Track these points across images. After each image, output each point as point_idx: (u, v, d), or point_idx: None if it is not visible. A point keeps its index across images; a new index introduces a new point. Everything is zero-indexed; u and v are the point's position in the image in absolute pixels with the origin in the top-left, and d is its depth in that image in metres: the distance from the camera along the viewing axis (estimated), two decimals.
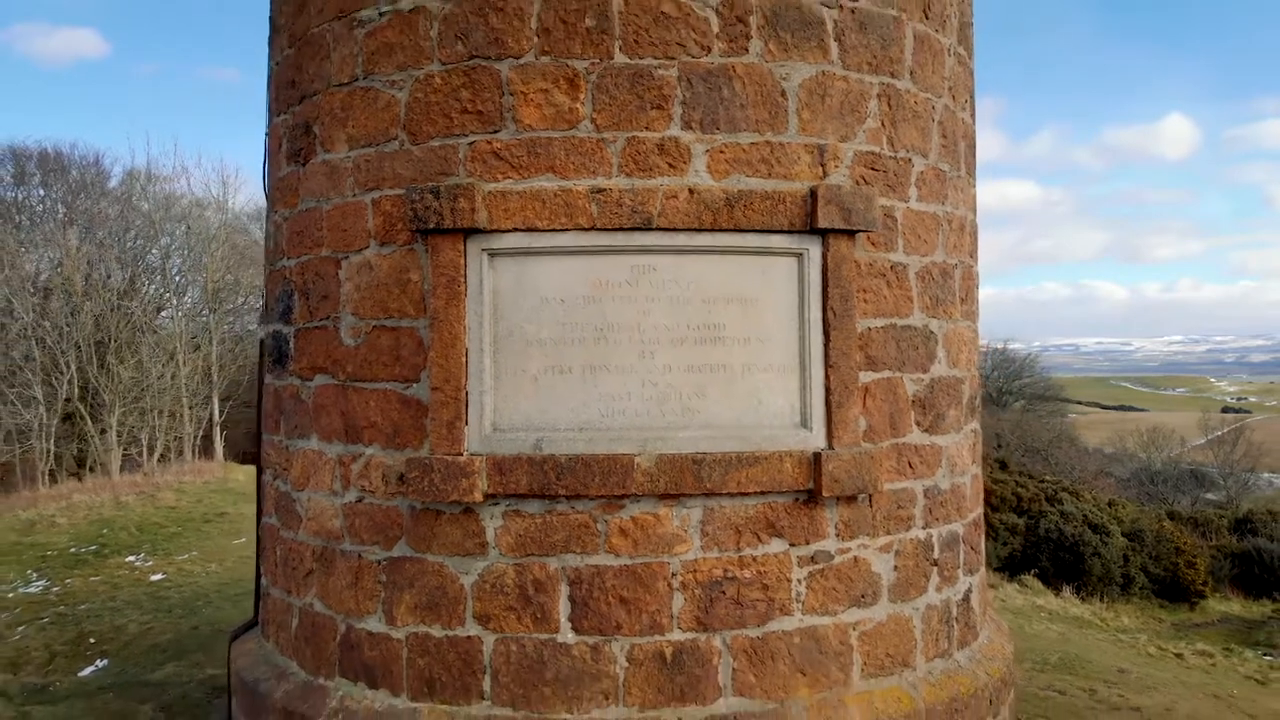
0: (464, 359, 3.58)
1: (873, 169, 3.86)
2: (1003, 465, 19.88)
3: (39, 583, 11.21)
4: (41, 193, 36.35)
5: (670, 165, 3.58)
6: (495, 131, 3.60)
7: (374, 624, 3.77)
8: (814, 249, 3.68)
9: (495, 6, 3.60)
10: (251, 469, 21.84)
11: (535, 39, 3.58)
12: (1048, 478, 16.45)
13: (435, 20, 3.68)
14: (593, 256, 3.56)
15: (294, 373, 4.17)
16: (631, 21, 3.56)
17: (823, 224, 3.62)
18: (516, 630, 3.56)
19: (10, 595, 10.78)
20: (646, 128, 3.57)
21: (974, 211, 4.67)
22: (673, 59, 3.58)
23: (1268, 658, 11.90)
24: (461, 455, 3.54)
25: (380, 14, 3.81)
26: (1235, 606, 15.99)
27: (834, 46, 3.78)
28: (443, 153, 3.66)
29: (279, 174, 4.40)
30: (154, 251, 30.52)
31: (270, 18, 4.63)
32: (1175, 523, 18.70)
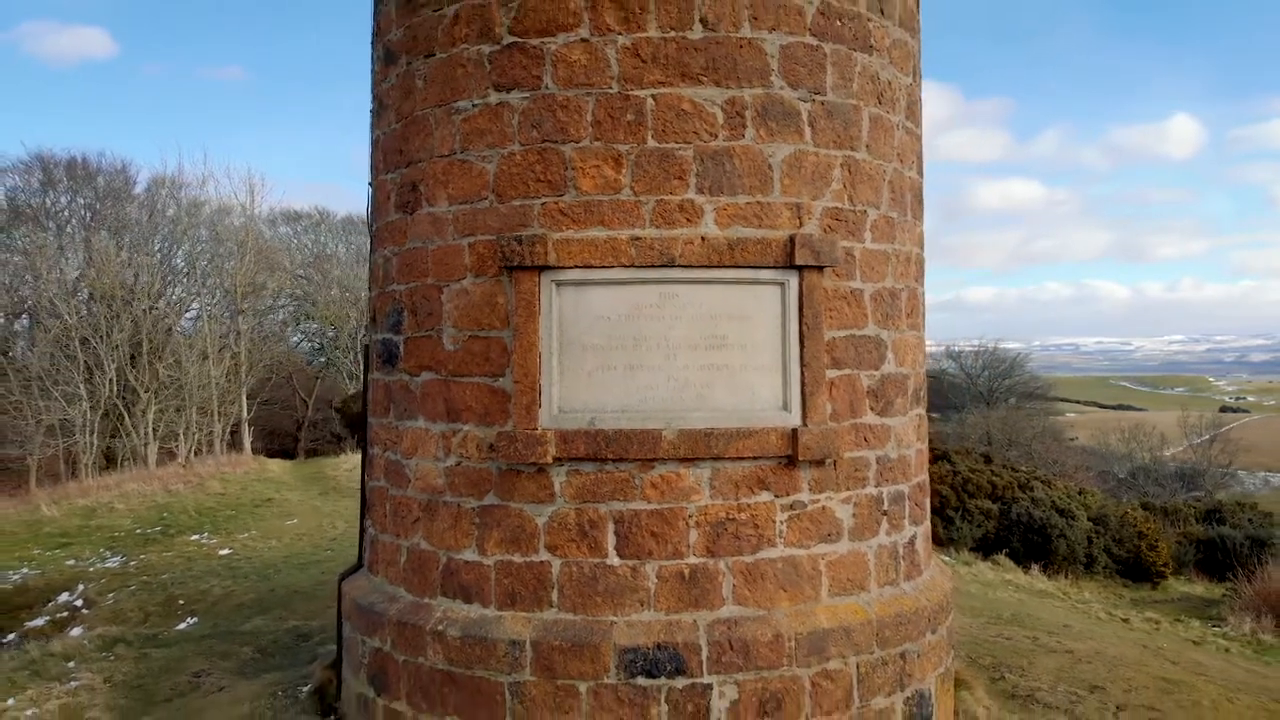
0: (538, 360, 4.93)
1: (837, 220, 5.21)
2: (987, 459, 21.20)
3: (115, 558, 12.58)
4: (66, 199, 37.77)
5: (688, 220, 4.92)
6: (561, 195, 4.95)
7: (469, 555, 5.12)
8: (792, 280, 5.03)
9: (561, 104, 4.95)
10: (282, 462, 23.19)
11: (590, 128, 4.93)
12: (1022, 468, 17.73)
13: (516, 112, 5.03)
14: (632, 286, 4.91)
15: (403, 370, 5.52)
16: (660, 116, 4.91)
17: (799, 262, 4.96)
18: (576, 556, 4.91)
19: (92, 569, 12.15)
20: (670, 193, 4.92)
21: (920, 246, 6.01)
22: (689, 143, 4.93)
23: (1215, 627, 13.20)
24: (537, 430, 4.89)
25: (473, 105, 5.16)
26: (1198, 588, 17.31)
27: (808, 130, 5.12)
28: (522, 210, 5.01)
29: (387, 219, 5.74)
30: (179, 256, 31.93)
31: (376, 96, 5.98)
32: (1147, 512, 20.06)
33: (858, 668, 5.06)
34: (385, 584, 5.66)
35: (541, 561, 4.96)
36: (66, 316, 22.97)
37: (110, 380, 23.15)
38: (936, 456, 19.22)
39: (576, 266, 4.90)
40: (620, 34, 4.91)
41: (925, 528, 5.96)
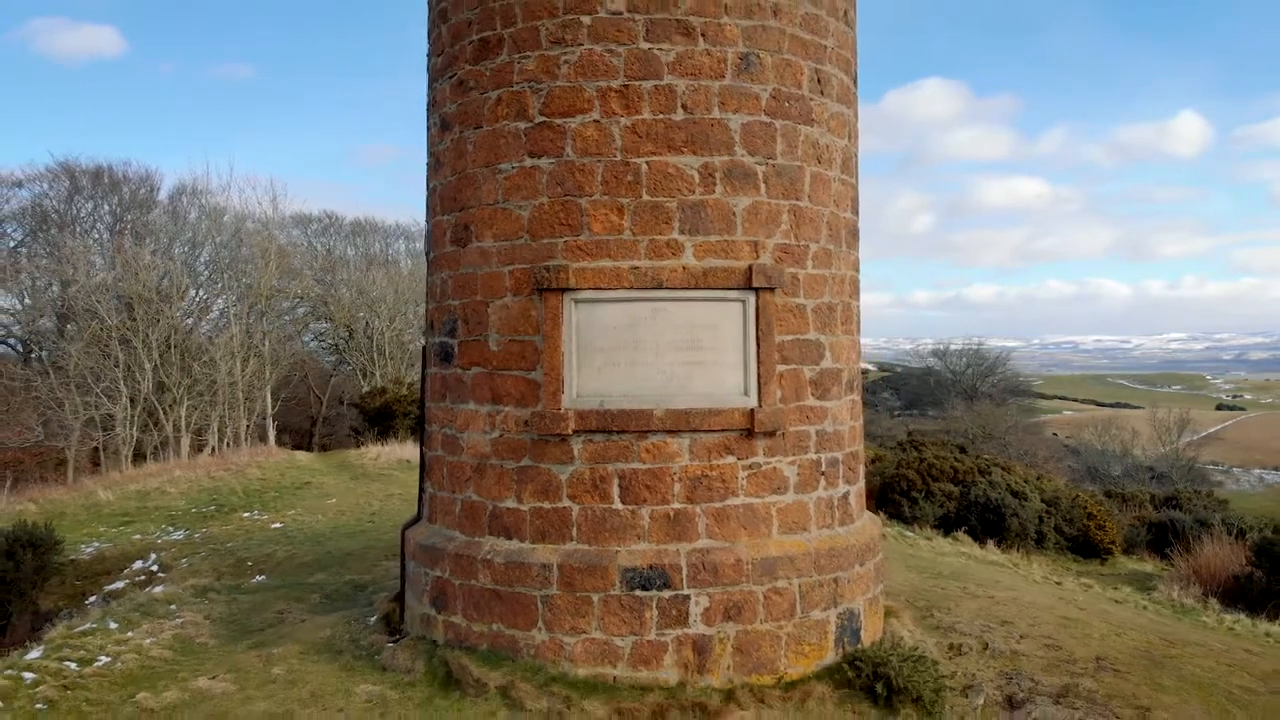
0: (561, 358, 6.65)
1: (785, 252, 6.93)
2: (962, 449, 22.93)
3: (179, 532, 14.29)
4: (91, 206, 39.53)
5: (673, 253, 6.64)
6: (578, 235, 6.67)
7: (510, 503, 6.85)
8: (751, 298, 6.74)
9: (578, 168, 6.67)
10: (308, 453, 24.87)
11: (601, 185, 6.65)
12: (985, 455, 19.47)
13: (545, 173, 6.76)
14: (631, 303, 6.63)
15: (458, 366, 7.24)
16: (652, 177, 6.63)
17: (756, 284, 6.68)
18: (590, 503, 6.63)
19: (160, 541, 13.87)
20: (660, 233, 6.63)
21: (855, 270, 7.72)
22: (674, 196, 6.65)
23: (1147, 594, 14.87)
24: (561, 410, 6.61)
25: (513, 166, 6.88)
26: (1147, 566, 19.01)
27: (763, 186, 6.84)
28: (549, 246, 6.73)
29: (443, 250, 7.46)
30: (201, 261, 33.67)
31: (433, 154, 7.69)
32: (1108, 497, 21.78)
33: (800, 587, 6.78)
34: (443, 529, 7.39)
35: (564, 507, 6.68)
36: (106, 318, 24.70)
37: (148, 377, 24.90)
38: (911, 445, 20.95)
39: (590, 288, 6.62)
40: (622, 116, 6.63)
41: (858, 487, 7.68)
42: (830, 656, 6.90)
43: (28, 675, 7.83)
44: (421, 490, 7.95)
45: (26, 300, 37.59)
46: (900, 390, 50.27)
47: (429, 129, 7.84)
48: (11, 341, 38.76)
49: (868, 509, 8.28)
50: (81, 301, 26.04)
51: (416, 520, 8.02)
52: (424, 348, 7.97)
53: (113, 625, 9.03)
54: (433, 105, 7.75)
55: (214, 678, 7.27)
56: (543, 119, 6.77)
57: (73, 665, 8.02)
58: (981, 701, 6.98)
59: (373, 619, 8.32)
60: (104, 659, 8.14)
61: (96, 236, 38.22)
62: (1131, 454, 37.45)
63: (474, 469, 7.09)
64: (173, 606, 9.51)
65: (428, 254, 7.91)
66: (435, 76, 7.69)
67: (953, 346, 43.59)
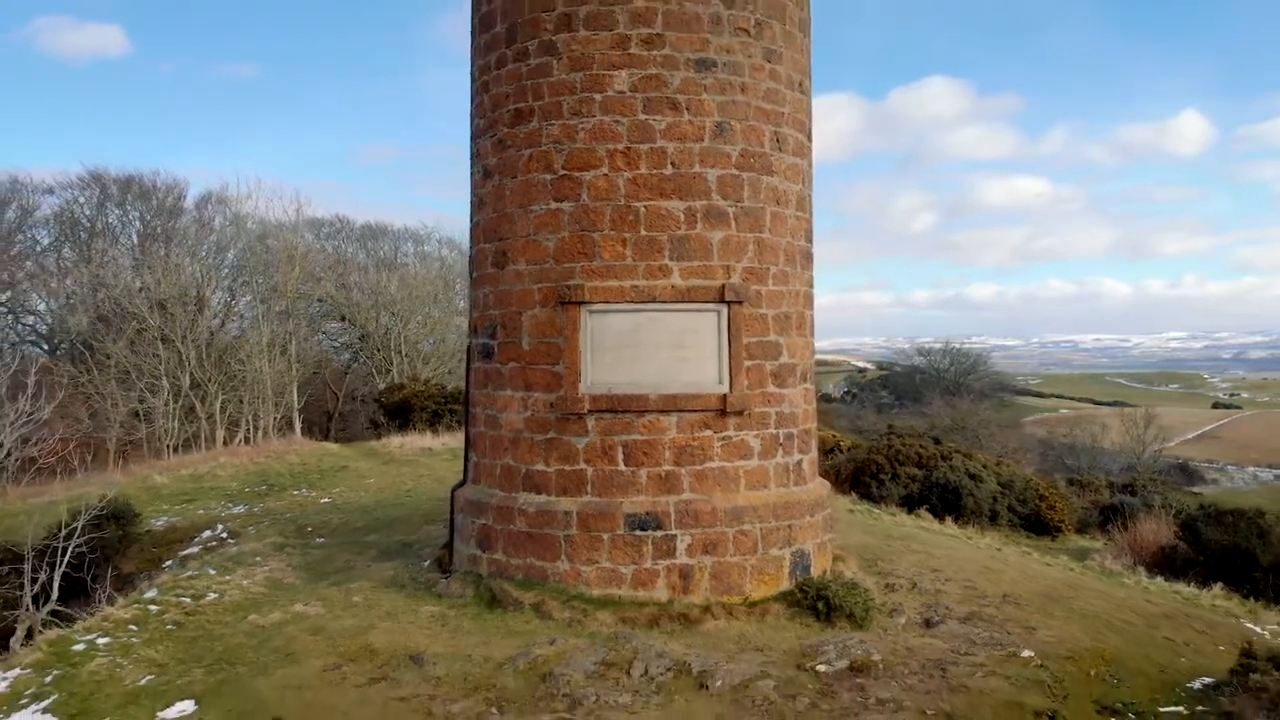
0: (579, 355, 8.72)
1: (751, 274, 9.00)
2: (937, 441, 24.99)
3: (239, 507, 16.36)
4: (120, 212, 41.64)
5: (664, 275, 8.71)
6: (592, 261, 8.74)
7: (539, 466, 8.93)
8: (724, 309, 8.81)
9: (592, 210, 8.75)
10: (336, 444, 26.91)
11: (609, 223, 8.72)
12: (949, 444, 21.58)
13: (566, 214, 8.83)
14: (633, 313, 8.70)
15: (497, 361, 9.32)
16: (648, 217, 8.70)
17: (728, 299, 8.76)
18: (600, 466, 8.71)
19: (223, 514, 15.94)
20: (654, 260, 8.71)
21: (809, 286, 9.80)
22: (665, 232, 8.72)
23: (1081, 561, 16.88)
24: (579, 394, 8.69)
25: (541, 208, 8.96)
26: (1096, 543, 21.04)
27: (733, 223, 8.91)
28: (569, 269, 8.81)
29: (485, 271, 9.54)
30: (225, 266, 35.77)
31: (477, 195, 9.77)
32: (1070, 484, 23.84)
33: (761, 531, 8.86)
34: (485, 488, 9.47)
35: (581, 469, 8.77)
36: (150, 320, 26.83)
37: (187, 373, 27.04)
38: (888, 436, 23.00)
39: (601, 302, 8.70)
40: (626, 171, 8.72)
41: (810, 456, 9.76)
42: (785, 585, 8.97)
43: (152, 608, 9.90)
44: (466, 459, 10.03)
45: (54, 302, 39.76)
46: (893, 388, 52.48)
47: (472, 175, 9.92)
48: (41, 344, 40.93)
49: (841, 491, 10.34)
50: (126, 303, 28.14)
51: (462, 483, 10.11)
52: (468, 347, 10.07)
53: (211, 571, 11.10)
54: (476, 156, 9.83)
55: (307, 604, 9.34)
56: (564, 172, 8.85)
57: (187, 600, 10.08)
58: (903, 621, 9.06)
59: (426, 564, 10.41)
60: (212, 595, 10.20)
61: (126, 242, 40.37)
62: (1101, 447, 39.54)
63: (510, 441, 9.17)
64: (258, 558, 11.59)
65: (471, 274, 9.99)
66: (478, 134, 9.77)
67: (936, 345, 46.01)
